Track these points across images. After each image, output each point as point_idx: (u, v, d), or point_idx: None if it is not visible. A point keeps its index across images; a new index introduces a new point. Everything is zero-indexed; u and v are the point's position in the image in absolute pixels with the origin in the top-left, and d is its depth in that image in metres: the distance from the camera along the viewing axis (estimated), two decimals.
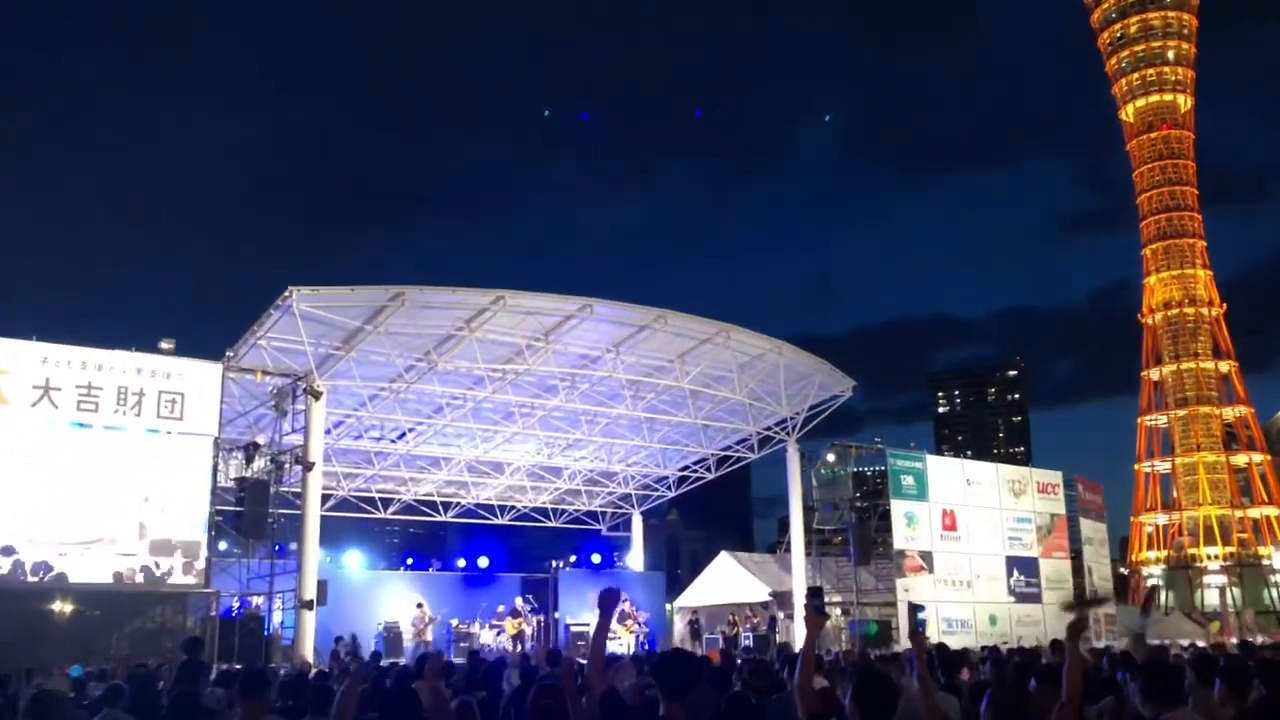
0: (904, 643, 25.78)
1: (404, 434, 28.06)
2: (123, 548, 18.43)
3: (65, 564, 17.89)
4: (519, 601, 28.55)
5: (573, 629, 29.14)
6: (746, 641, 27.50)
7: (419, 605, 27.11)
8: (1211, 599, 70.18)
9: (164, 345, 19.74)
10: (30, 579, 17.61)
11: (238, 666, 15.18)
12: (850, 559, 29.07)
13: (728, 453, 31.23)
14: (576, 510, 35.67)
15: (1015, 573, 32.35)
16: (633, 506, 35.88)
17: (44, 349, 18.36)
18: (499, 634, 27.60)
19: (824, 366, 27.14)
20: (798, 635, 27.66)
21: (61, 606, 18.01)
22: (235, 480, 21.77)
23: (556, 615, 31.02)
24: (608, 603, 5.10)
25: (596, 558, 33.75)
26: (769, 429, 29.05)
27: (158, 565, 18.72)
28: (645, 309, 23.46)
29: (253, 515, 20.21)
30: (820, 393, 27.94)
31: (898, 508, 29.80)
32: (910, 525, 29.94)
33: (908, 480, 30.40)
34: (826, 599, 29.69)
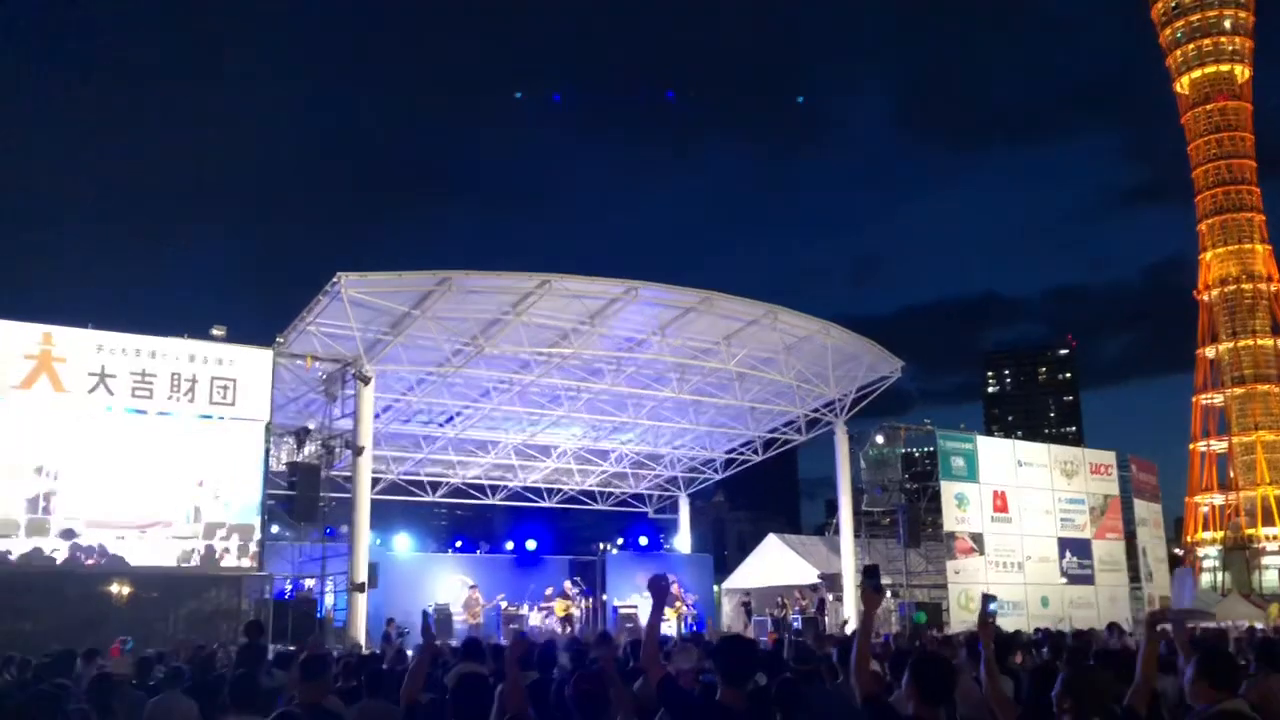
0: (955, 626, 25.54)
1: (452, 418, 28.24)
2: (178, 531, 18.75)
3: (123, 547, 18.23)
4: (567, 584, 28.69)
5: (620, 611, 29.24)
6: (795, 624, 27.41)
7: (472, 587, 27.32)
8: (1270, 580, 68.89)
9: (216, 332, 19.97)
10: (88, 562, 17.97)
11: (291, 648, 15.40)
12: (899, 541, 28.92)
13: (775, 435, 31.10)
14: (623, 493, 35.74)
15: (1067, 554, 31.99)
16: (680, 489, 35.88)
17: (99, 336, 18.66)
18: (547, 616, 27.76)
19: (872, 347, 26.91)
20: (848, 617, 27.57)
21: (120, 589, 18.37)
22: (287, 465, 22.06)
23: (604, 597, 31.14)
24: (659, 589, 5.09)
25: (644, 540, 33.81)
26: (817, 411, 28.88)
27: (212, 548, 19.02)
28: (691, 291, 23.37)
29: (304, 499, 20.46)
30: (868, 373, 27.72)
31: (948, 489, 29.56)
32: (960, 507, 29.67)
33: (958, 462, 30.11)
34: None
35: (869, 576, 5.20)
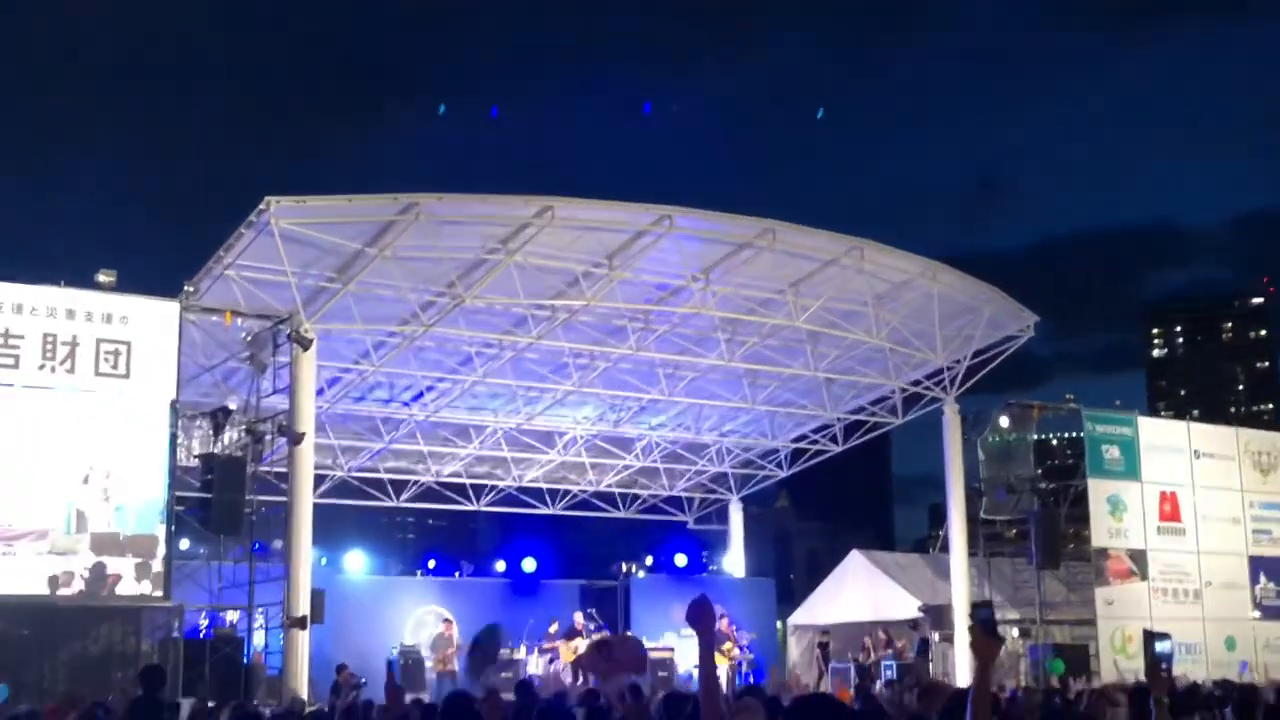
0: (1107, 675, 25.45)
1: (421, 395, 28.29)
2: (55, 545, 18.88)
3: None
4: (578, 617, 28.79)
5: (651, 654, 29.33)
6: (888, 673, 27.43)
7: (446, 621, 27.49)
8: None
9: (102, 278, 19.98)
10: None
11: (210, 705, 15.53)
12: (1031, 560, 28.78)
13: (860, 416, 30.98)
14: (653, 496, 35.75)
15: (1263, 579, 31.81)
16: (730, 491, 35.87)
17: None
18: (552, 661, 27.89)
19: (994, 296, 26.68)
20: (958, 664, 27.56)
21: None
22: (200, 457, 22.15)
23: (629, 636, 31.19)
24: (699, 618, 5.08)
25: (681, 559, 33.80)
26: (918, 383, 28.76)
27: (101, 568, 19.15)
28: (746, 220, 23.23)
29: (224, 503, 20.56)
30: (989, 332, 27.52)
31: (1098, 489, 29.41)
32: (1115, 514, 29.51)
33: (1111, 452, 29.90)
34: (1000, 615, 29.44)
35: (980, 613, 5.18)
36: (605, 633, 29.41)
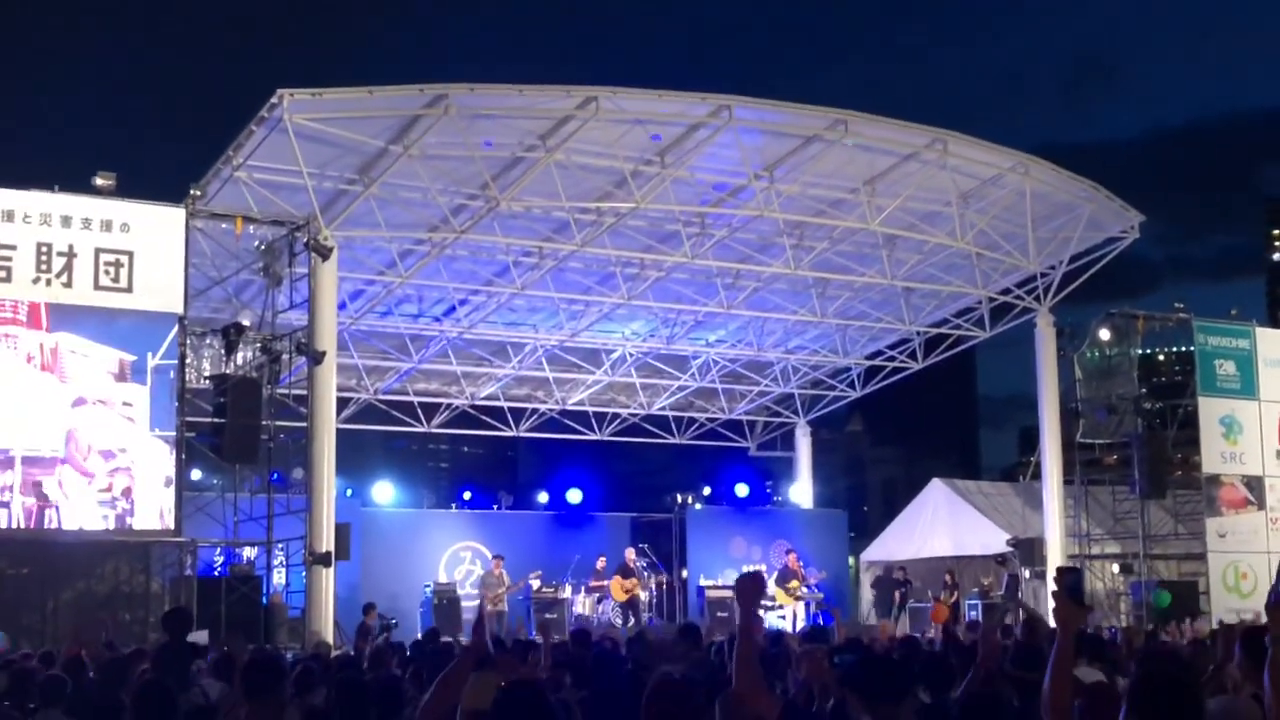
0: (1219, 614, 25.31)
1: (453, 309, 28.36)
2: (49, 473, 19.13)
3: None
4: (629, 553, 28.99)
5: (709, 593, 29.50)
6: (972, 614, 27.45)
7: (496, 558, 27.67)
8: None
9: (100, 181, 20.06)
10: None
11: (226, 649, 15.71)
12: (1134, 489, 28.64)
13: (943, 330, 30.88)
14: (711, 420, 35.82)
15: None
16: (796, 414, 35.90)
17: None
18: (601, 601, 28.12)
19: (1095, 193, 26.36)
20: (1051, 603, 27.49)
21: None
22: (211, 379, 22.31)
23: (684, 574, 31.41)
24: (747, 592, 5.25)
25: (742, 489, 33.92)
26: (1008, 292, 28.55)
27: (104, 499, 19.41)
28: (814, 110, 23.01)
29: (238, 429, 20.71)
30: (1089, 234, 27.24)
31: (1209, 409, 29.21)
32: (1229, 437, 29.28)
33: (1226, 367, 29.63)
34: (1101, 547, 29.41)
35: (1067, 577, 5.20)
36: (661, 573, 29.64)
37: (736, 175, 23.88)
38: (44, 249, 19.31)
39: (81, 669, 10.25)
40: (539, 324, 29.81)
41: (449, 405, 33.28)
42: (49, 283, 19.30)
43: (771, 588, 29.93)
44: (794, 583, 29.26)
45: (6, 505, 18.91)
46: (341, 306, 24.26)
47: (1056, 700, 4.80)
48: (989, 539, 30.72)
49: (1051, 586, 26.81)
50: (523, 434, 34.98)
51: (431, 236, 24.06)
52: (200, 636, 15.98)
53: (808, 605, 29.25)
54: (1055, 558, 27.84)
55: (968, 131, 24.67)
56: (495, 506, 32.58)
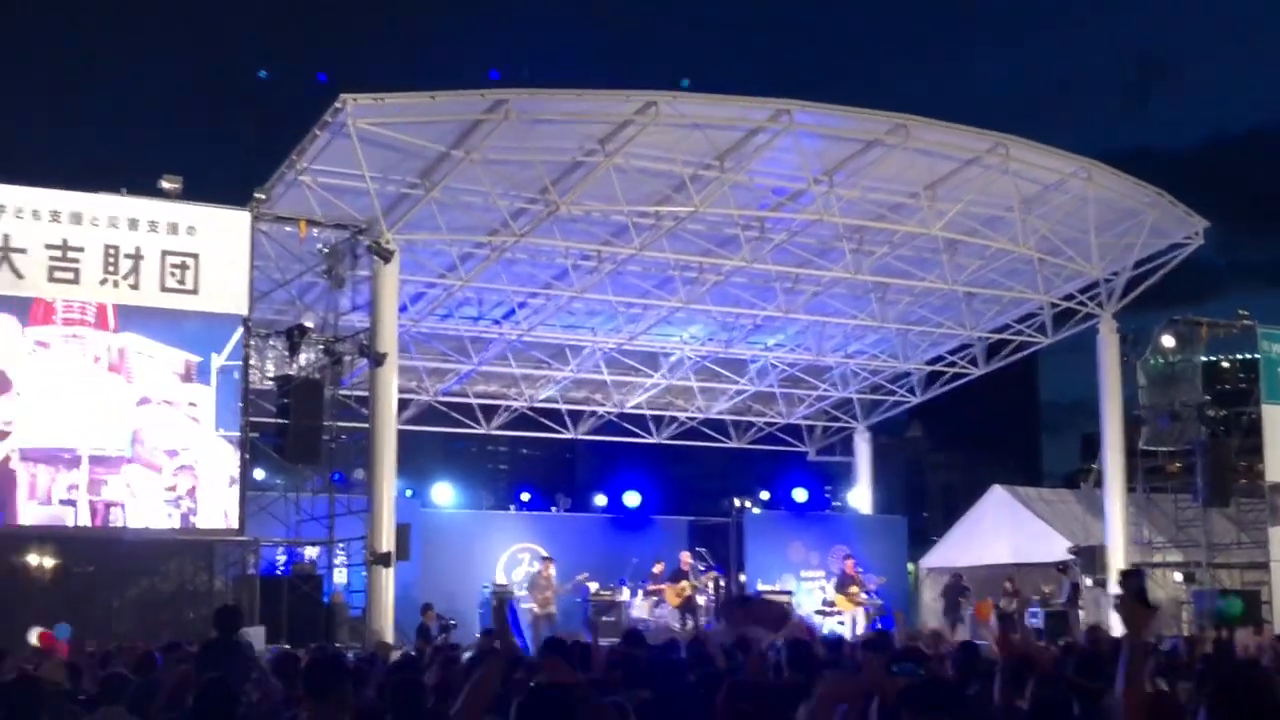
0: None
1: (512, 311, 28.45)
2: (116, 472, 19.44)
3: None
4: (685, 557, 28.95)
5: (767, 597, 29.46)
6: (1033, 620, 27.30)
7: (544, 560, 27.80)
8: None
9: (166, 185, 20.35)
10: None
11: (286, 647, 15.93)
12: (1197, 497, 28.39)
13: (1004, 336, 30.64)
14: (770, 424, 35.73)
15: None
16: (856, 419, 35.76)
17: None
18: (658, 604, 28.14)
19: (1158, 199, 26.13)
20: (1114, 613, 27.35)
21: (40, 560, 19.18)
22: (274, 380, 22.57)
23: (741, 578, 31.37)
24: (769, 616, 5.18)
25: (801, 494, 33.83)
26: (1070, 298, 28.36)
27: (168, 499, 19.69)
28: (874, 114, 22.93)
29: (301, 430, 20.95)
30: (1152, 240, 27.00)
31: (1274, 417, 28.91)
32: None
33: None
34: (1163, 556, 29.16)
35: (1131, 581, 5.17)
36: (716, 574, 29.65)
37: (796, 179, 23.83)
38: (111, 251, 19.63)
39: (151, 667, 10.44)
40: (597, 327, 29.87)
41: (508, 407, 33.36)
42: (116, 284, 19.61)
43: (831, 594, 29.94)
44: (854, 588, 29.19)
45: (73, 504, 19.24)
46: (403, 309, 24.40)
47: (1133, 704, 4.79)
48: (1050, 546, 30.44)
49: (1116, 590, 26.78)
50: (581, 436, 35.00)
51: (491, 240, 24.17)
52: (256, 634, 16.23)
53: (867, 611, 29.14)
54: (1117, 565, 27.57)
55: (1029, 135, 24.53)
56: (553, 508, 32.71)
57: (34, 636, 13.64)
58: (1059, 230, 25.93)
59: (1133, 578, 5.17)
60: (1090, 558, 28.69)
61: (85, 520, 19.30)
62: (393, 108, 20.44)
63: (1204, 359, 30.34)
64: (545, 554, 28.34)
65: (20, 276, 19.14)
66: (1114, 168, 25.77)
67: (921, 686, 5.41)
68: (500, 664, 6.02)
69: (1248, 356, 31.31)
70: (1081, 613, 28.20)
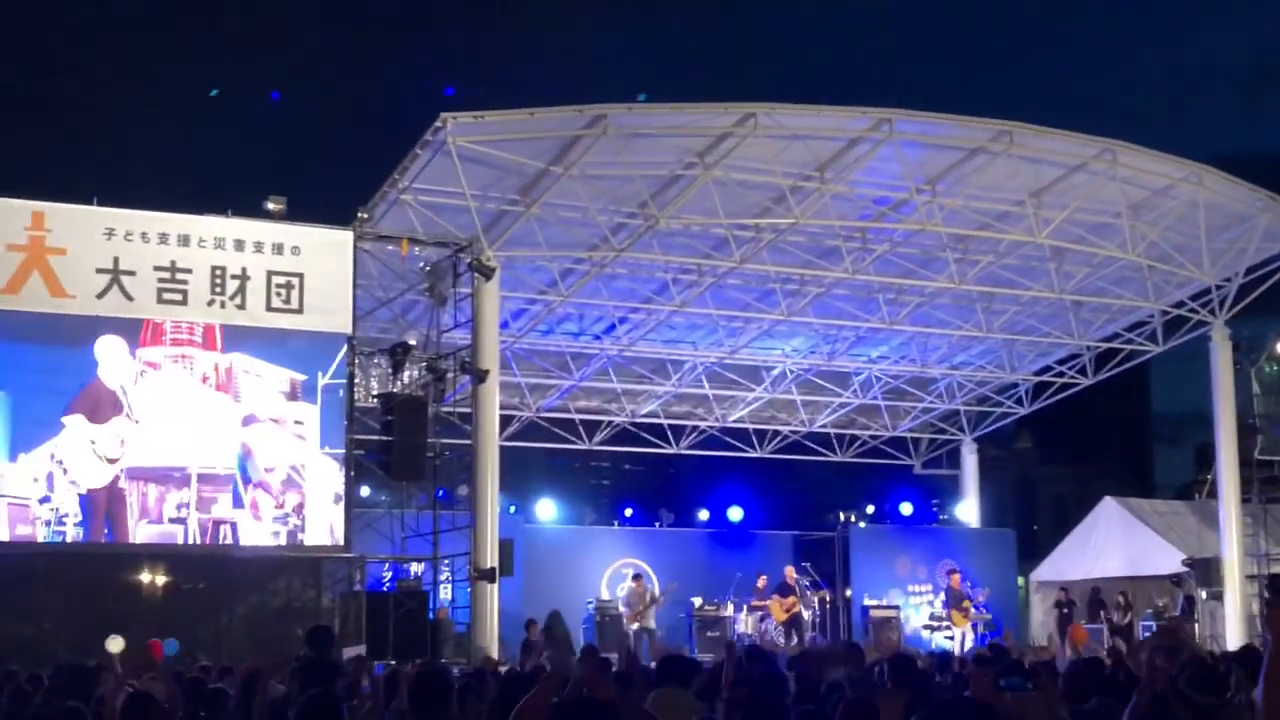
0: None
1: (613, 327, 28.54)
2: (224, 490, 19.75)
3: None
4: (790, 572, 28.87)
5: (873, 613, 29.28)
6: (1146, 634, 26.84)
7: (636, 578, 27.89)
8: None
9: (272, 206, 20.61)
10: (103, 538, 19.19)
11: (392, 663, 16.06)
12: None
13: (1114, 345, 30.23)
14: (874, 437, 35.50)
15: None
16: (962, 431, 35.42)
17: (109, 216, 19.54)
18: (763, 619, 28.06)
19: (1270, 203, 25.62)
20: (1229, 625, 26.85)
21: (151, 577, 19.52)
22: (378, 397, 22.78)
23: (848, 593, 31.19)
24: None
25: (907, 508, 33.61)
26: (1181, 305, 27.90)
27: (275, 516, 19.96)
28: (978, 121, 22.76)
29: (405, 446, 21.12)
30: (1266, 245, 26.51)
31: None
32: None
33: None
34: (1277, 569, 28.52)
35: (1275, 589, 5.01)
36: (823, 590, 29.52)
37: (898, 189, 23.66)
38: (218, 272, 19.93)
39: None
40: (698, 341, 29.86)
41: (609, 423, 33.44)
42: (223, 305, 19.91)
43: (938, 609, 29.71)
44: (966, 603, 28.98)
45: (183, 522, 19.56)
46: (504, 325, 24.55)
47: (1273, 715, 4.63)
48: (1164, 559, 30.02)
49: (1247, 566, 26.31)
50: (683, 451, 34.97)
51: (591, 255, 24.26)
52: (356, 651, 16.34)
53: (975, 626, 28.90)
54: (1233, 578, 27.16)
55: (1140, 141, 24.19)
56: (656, 524, 32.70)
57: (115, 645, 13.80)
58: (1169, 236, 25.57)
59: (1277, 583, 5.00)
60: (1205, 570, 28.23)
61: (195, 538, 19.60)
62: (492, 125, 20.57)
63: None
64: (635, 571, 28.44)
65: (130, 299, 19.48)
66: (1226, 172, 25.35)
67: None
68: (554, 683, 6.01)
69: None
70: (1197, 626, 27.74)
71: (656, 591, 27.67)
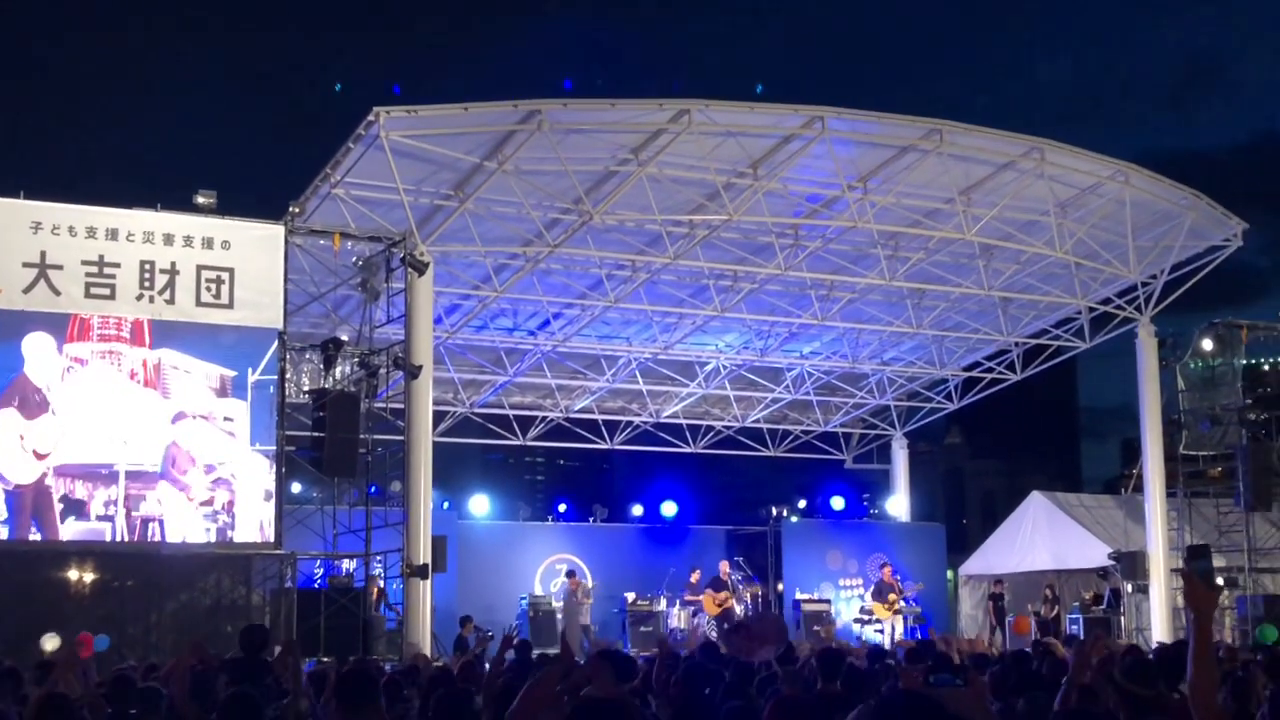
0: None
1: (547, 322, 28.49)
2: (152, 487, 19.51)
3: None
4: (724, 566, 28.96)
5: (805, 607, 29.39)
6: (1073, 628, 27.12)
7: (569, 574, 27.89)
8: None
9: (201, 200, 20.40)
10: (31, 535, 18.88)
11: (326, 660, 15.90)
12: (1238, 501, 28.13)
13: (1042, 341, 30.54)
14: (806, 432, 35.67)
15: None
16: (893, 426, 35.65)
17: (35, 209, 19.19)
18: (696, 614, 28.11)
19: (1197, 201, 25.94)
20: (1155, 618, 27.14)
21: (79, 575, 19.24)
22: (310, 393, 22.59)
23: (779, 587, 31.29)
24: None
25: (838, 502, 33.77)
26: (1108, 302, 28.23)
27: (205, 513, 19.74)
28: (908, 120, 22.85)
29: (337, 443, 20.94)
30: (1191, 243, 26.84)
31: None
32: None
33: None
34: None
35: (1197, 560, 4.96)
36: (755, 584, 29.60)
37: (830, 186, 23.75)
38: (147, 267, 19.66)
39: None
40: (633, 337, 29.86)
41: (544, 418, 33.41)
42: (152, 300, 19.64)
43: (868, 602, 29.90)
44: (892, 596, 29.15)
45: (111, 519, 19.30)
46: (438, 321, 24.46)
47: (1202, 696, 4.59)
48: (1090, 552, 30.29)
49: (1172, 558, 26.54)
50: (617, 447, 34.98)
51: (526, 251, 24.19)
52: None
53: (905, 619, 29.09)
54: (1158, 571, 27.45)
55: (1069, 140, 24.44)
56: (590, 519, 32.67)
57: (51, 643, 13.62)
58: (1096, 234, 25.79)
59: (1200, 559, 4.93)
60: (1131, 563, 28.50)
61: (123, 536, 19.36)
62: (426, 119, 20.47)
63: (1244, 362, 29.99)
64: (568, 569, 28.45)
65: (57, 294, 19.20)
66: (1155, 170, 25.65)
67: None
68: (560, 670, 6.01)
69: None
70: (1123, 619, 28.03)
71: (584, 587, 27.72)
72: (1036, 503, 33.40)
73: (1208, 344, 29.01)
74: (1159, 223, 26.35)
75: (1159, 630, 26.65)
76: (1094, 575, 29.87)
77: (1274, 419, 30.03)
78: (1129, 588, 28.71)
